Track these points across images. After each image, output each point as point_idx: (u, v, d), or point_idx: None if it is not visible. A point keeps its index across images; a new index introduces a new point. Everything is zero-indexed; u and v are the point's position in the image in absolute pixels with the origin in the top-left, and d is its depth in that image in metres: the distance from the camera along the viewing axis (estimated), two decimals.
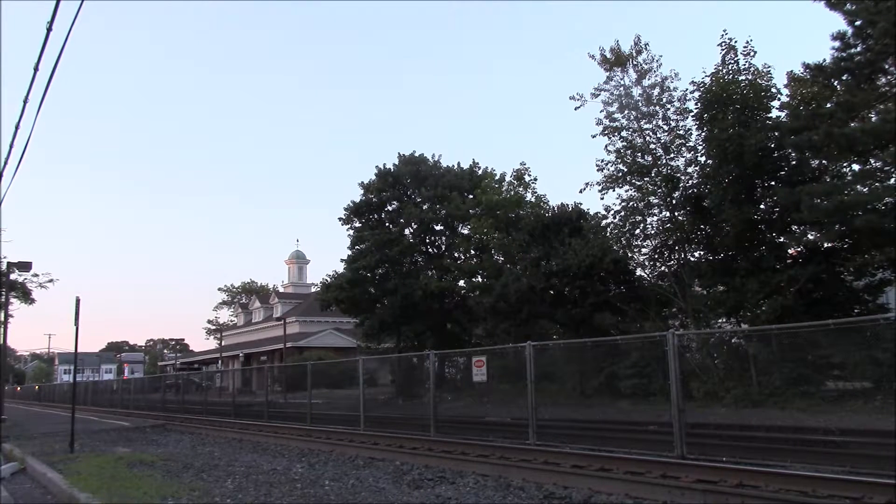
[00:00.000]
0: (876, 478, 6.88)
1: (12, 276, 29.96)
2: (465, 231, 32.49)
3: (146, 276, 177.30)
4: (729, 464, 8.32)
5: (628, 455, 9.37)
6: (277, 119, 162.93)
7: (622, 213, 22.71)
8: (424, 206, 32.35)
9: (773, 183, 19.28)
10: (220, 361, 60.26)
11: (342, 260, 33.79)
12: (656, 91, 21.80)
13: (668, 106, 21.73)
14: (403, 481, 9.24)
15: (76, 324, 13.76)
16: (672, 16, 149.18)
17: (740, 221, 18.75)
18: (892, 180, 16.63)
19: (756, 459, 8.63)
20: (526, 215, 27.74)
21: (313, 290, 56.65)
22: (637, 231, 22.66)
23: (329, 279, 34.88)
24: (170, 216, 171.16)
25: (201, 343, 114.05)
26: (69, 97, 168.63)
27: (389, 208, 33.86)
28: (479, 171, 33.53)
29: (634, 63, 22.06)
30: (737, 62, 20.12)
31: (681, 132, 21.68)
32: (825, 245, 18.52)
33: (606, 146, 22.73)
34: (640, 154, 22.11)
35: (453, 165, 34.43)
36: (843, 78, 17.58)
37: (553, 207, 27.46)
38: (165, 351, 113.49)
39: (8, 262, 26.63)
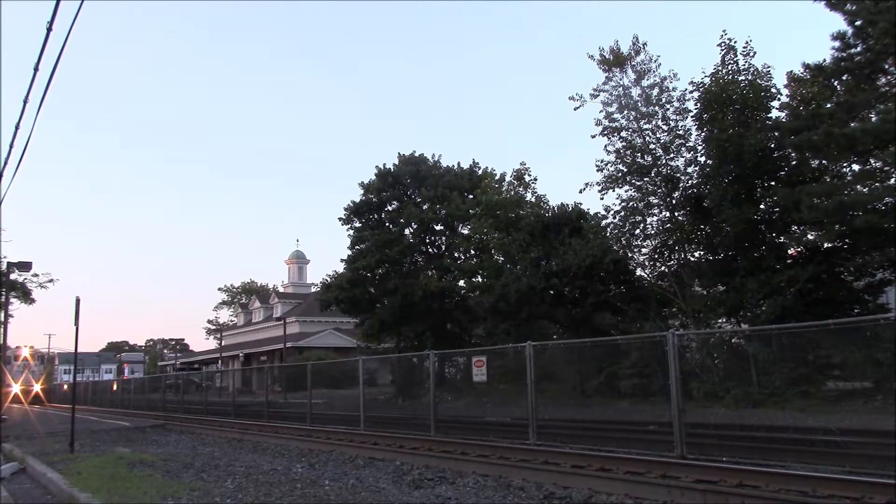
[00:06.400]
0: (876, 478, 6.88)
1: (12, 276, 30.01)
2: (465, 231, 32.52)
3: (146, 276, 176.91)
4: (729, 464, 8.31)
5: (628, 455, 9.37)
6: (277, 119, 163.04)
7: (622, 214, 22.74)
8: (424, 206, 32.37)
9: (772, 183, 19.30)
10: (220, 361, 60.25)
11: (342, 260, 33.91)
12: (655, 91, 21.84)
13: (668, 106, 21.77)
14: (403, 481, 9.24)
15: (76, 324, 13.77)
16: (672, 16, 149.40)
17: (740, 221, 18.76)
18: (892, 180, 16.65)
19: (756, 459, 8.63)
20: (526, 215, 27.74)
21: (313, 290, 56.65)
22: (637, 231, 22.68)
23: (329, 279, 34.96)
24: (170, 216, 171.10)
25: (201, 343, 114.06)
26: (69, 97, 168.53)
27: (389, 208, 33.89)
28: (479, 171, 33.56)
29: (633, 63, 22.08)
30: (736, 62, 20.15)
31: (680, 132, 21.71)
32: (825, 245, 18.54)
33: (606, 146, 22.79)
34: (639, 154, 22.12)
35: (453, 165, 34.52)
36: (843, 78, 17.61)
37: (553, 207, 27.48)
38: (165, 351, 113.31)
39: (8, 262, 26.70)
